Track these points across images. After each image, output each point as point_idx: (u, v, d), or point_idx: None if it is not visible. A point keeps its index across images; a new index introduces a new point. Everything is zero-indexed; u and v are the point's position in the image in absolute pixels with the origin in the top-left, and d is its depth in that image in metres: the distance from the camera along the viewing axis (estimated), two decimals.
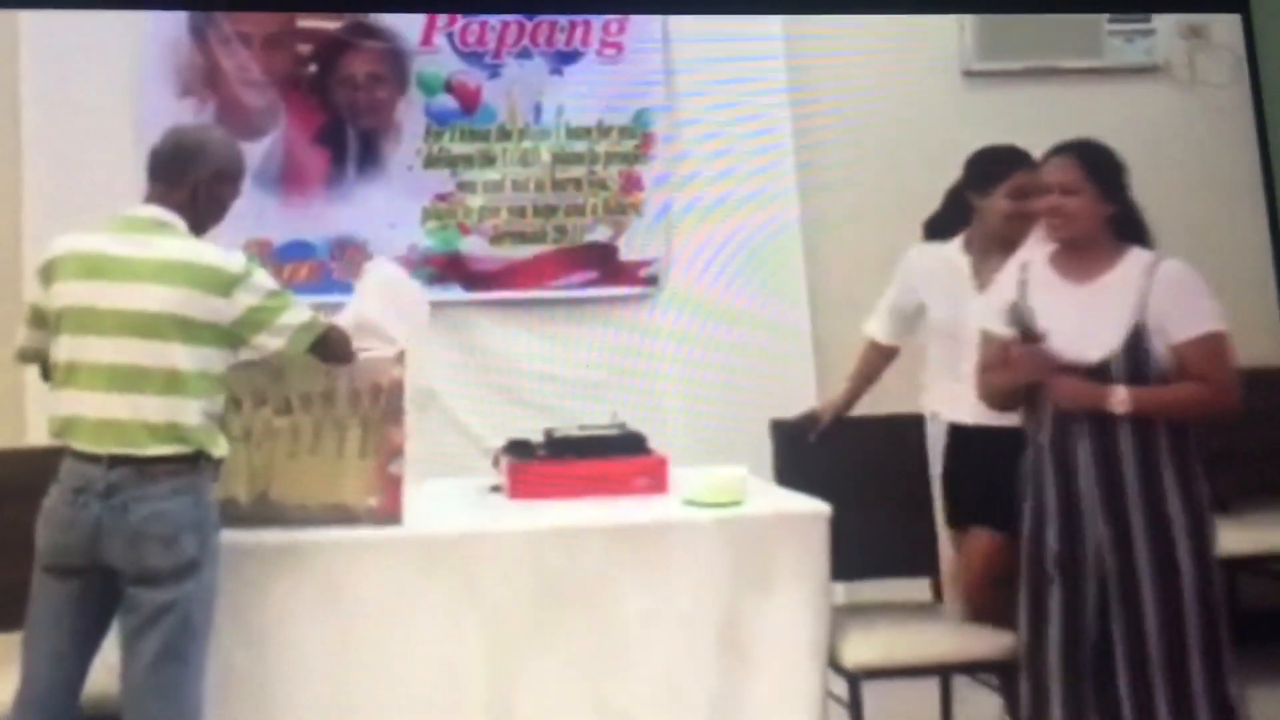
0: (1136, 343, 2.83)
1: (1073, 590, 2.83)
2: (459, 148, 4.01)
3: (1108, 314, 2.86)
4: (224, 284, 2.63)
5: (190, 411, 2.59)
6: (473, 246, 4.00)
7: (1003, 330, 2.95)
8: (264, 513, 2.77)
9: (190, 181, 2.70)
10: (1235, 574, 4.17)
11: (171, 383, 2.58)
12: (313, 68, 3.94)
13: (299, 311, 2.71)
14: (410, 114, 3.97)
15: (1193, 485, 2.83)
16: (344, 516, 2.76)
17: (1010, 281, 2.99)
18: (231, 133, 3.86)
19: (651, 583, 2.81)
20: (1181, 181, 4.52)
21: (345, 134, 3.96)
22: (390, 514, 2.77)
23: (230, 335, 2.64)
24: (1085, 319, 2.86)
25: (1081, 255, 2.92)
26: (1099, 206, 2.91)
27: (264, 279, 2.70)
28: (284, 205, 3.92)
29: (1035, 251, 3.00)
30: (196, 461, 2.61)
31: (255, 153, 3.89)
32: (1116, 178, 2.94)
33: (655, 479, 3.07)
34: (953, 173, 4.32)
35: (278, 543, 2.74)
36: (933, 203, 4.28)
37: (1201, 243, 4.42)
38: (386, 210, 3.95)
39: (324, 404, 2.80)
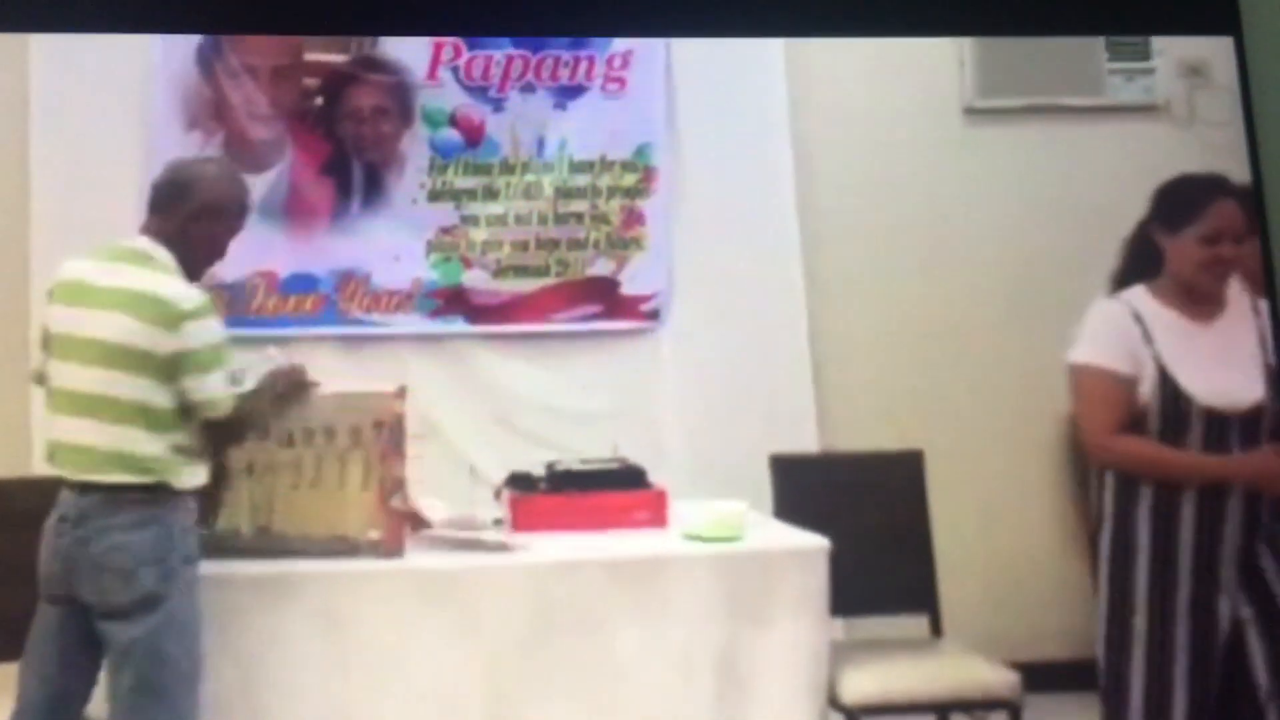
0: (1277, 387, 2.77)
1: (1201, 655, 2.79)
2: (463, 181, 4.02)
3: (1239, 356, 2.77)
4: (172, 318, 2.62)
5: (147, 442, 2.59)
6: (475, 280, 4.00)
7: (1125, 371, 2.84)
8: (266, 544, 2.77)
9: (180, 215, 2.71)
10: None
11: (127, 412, 2.59)
12: (319, 101, 3.95)
13: (225, 380, 2.68)
14: (415, 147, 3.98)
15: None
16: (346, 549, 2.77)
17: (1123, 316, 2.88)
18: (237, 165, 3.91)
19: (650, 617, 2.81)
20: None
21: (350, 167, 3.97)
22: (392, 548, 2.77)
23: (170, 370, 2.63)
24: (1221, 362, 2.76)
25: (1196, 294, 2.84)
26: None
27: (212, 327, 2.68)
28: (289, 238, 3.93)
29: (1135, 288, 2.89)
30: (160, 492, 2.60)
31: (261, 185, 3.89)
32: None
33: (655, 513, 3.07)
34: (953, 208, 4.35)
35: (278, 574, 2.73)
36: (931, 239, 4.32)
37: None
38: (391, 243, 3.96)
39: (326, 437, 2.80)
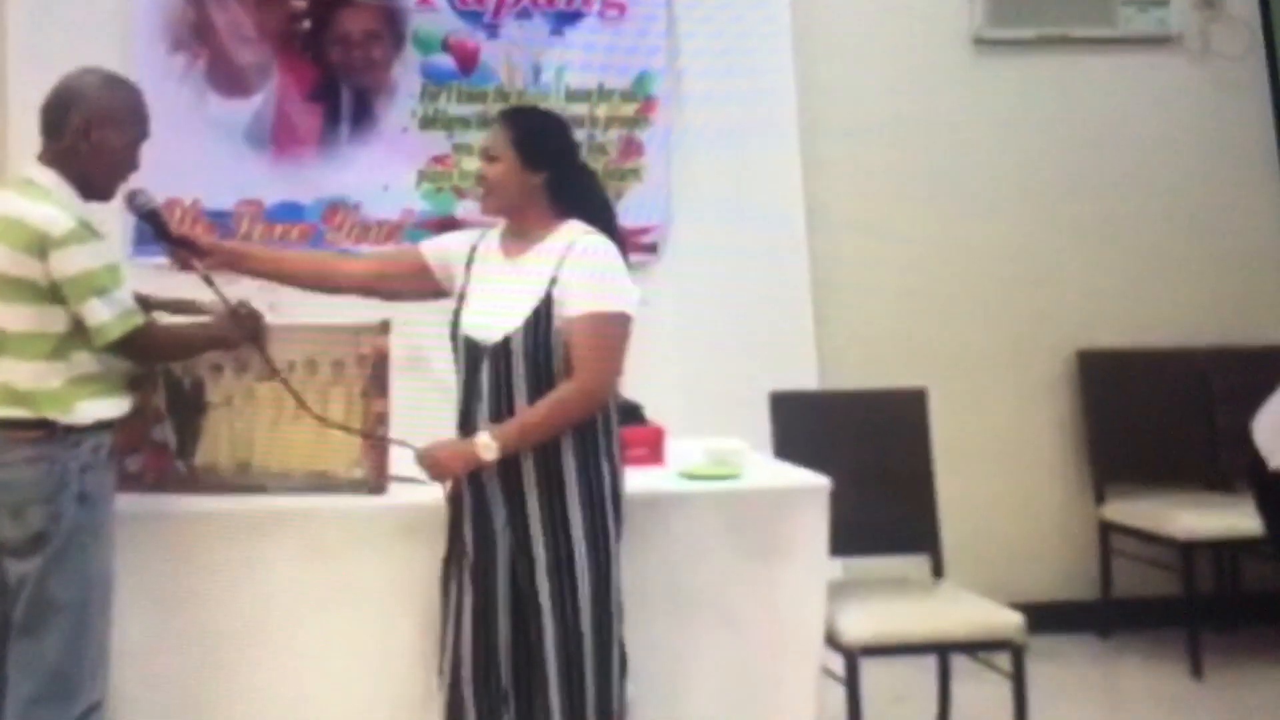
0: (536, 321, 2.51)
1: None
2: (456, 109, 3.94)
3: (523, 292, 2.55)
4: (40, 245, 2.44)
5: (30, 374, 2.46)
6: (468, 210, 3.92)
7: None
8: (246, 479, 2.71)
9: (67, 132, 2.51)
10: (1238, 555, 4.15)
11: (4, 342, 2.49)
12: (307, 24, 3.87)
13: (108, 304, 2.46)
14: (406, 73, 3.90)
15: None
16: (327, 484, 2.71)
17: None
18: (221, 89, 3.86)
19: (647, 555, 2.75)
20: (1192, 151, 4.48)
21: (339, 93, 3.89)
22: (375, 484, 2.71)
23: (56, 296, 2.46)
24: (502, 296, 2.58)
25: (518, 229, 2.65)
26: (523, 175, 2.60)
27: (81, 253, 2.45)
28: (274, 165, 3.86)
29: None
30: (51, 429, 2.46)
31: (246, 110, 3.84)
32: (542, 144, 2.63)
33: (652, 450, 3.01)
34: (961, 139, 4.27)
35: (259, 509, 2.67)
36: (938, 171, 4.24)
37: (1212, 212, 4.39)
38: (380, 172, 3.88)
39: (308, 371, 2.73)
